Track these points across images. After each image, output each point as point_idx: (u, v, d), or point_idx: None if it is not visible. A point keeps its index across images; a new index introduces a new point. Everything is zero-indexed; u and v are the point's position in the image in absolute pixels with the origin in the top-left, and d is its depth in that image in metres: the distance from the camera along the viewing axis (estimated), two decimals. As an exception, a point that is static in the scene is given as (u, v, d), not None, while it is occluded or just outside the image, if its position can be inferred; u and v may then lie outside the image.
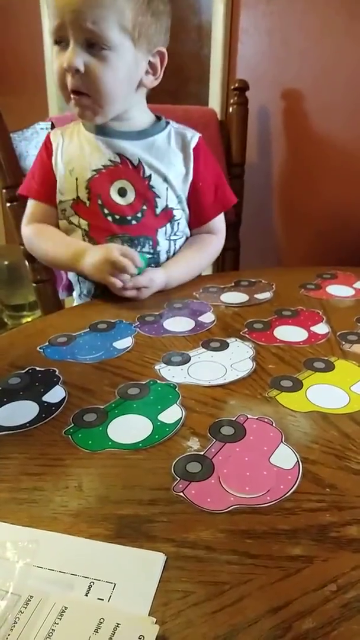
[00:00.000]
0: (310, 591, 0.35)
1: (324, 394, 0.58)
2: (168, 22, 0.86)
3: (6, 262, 2.09)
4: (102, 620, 0.32)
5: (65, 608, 0.33)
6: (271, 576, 0.36)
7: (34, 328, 0.75)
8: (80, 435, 0.51)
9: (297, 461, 0.47)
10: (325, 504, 0.42)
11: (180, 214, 0.94)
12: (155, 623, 0.32)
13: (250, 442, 0.50)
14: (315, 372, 0.62)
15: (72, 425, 0.52)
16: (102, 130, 0.89)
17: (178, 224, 0.93)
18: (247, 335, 0.71)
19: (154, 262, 0.91)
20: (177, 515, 0.41)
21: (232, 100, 1.29)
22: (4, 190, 1.11)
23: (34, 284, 1.16)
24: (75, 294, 1.01)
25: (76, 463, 0.47)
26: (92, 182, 0.88)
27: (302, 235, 1.47)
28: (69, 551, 0.38)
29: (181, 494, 0.43)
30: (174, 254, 0.95)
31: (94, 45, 0.78)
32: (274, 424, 0.52)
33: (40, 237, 0.92)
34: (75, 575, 0.36)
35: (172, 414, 0.54)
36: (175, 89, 2.02)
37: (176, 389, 0.58)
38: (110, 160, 0.89)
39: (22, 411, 0.55)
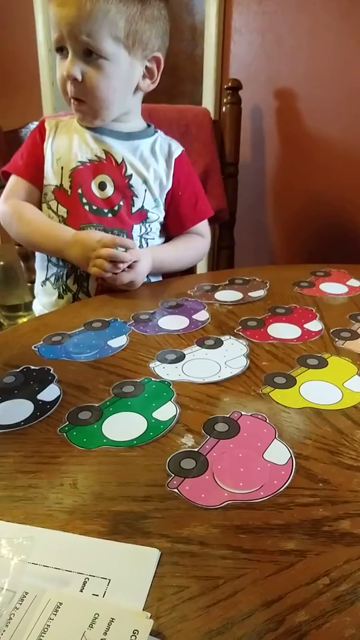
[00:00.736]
0: (303, 585, 0.35)
1: (318, 390, 0.58)
2: (165, 26, 0.89)
3: (1, 263, 2.08)
4: (96, 616, 0.33)
5: (60, 604, 0.33)
6: (265, 570, 0.36)
7: (29, 327, 0.75)
8: (75, 433, 0.51)
9: (291, 457, 0.47)
10: (318, 499, 0.43)
11: (155, 218, 0.96)
12: (150, 618, 0.33)
13: (244, 438, 0.50)
14: (309, 368, 0.62)
15: (67, 423, 0.52)
16: (94, 127, 0.93)
17: (151, 225, 0.96)
18: (241, 333, 0.71)
19: None
20: (172, 511, 0.42)
21: (225, 100, 1.29)
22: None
23: (30, 284, 1.16)
24: (38, 281, 1.00)
25: (71, 460, 0.47)
26: (76, 172, 0.91)
27: (296, 233, 1.47)
28: (64, 548, 0.38)
29: (175, 490, 0.44)
30: None
31: (91, 54, 0.82)
32: (267, 420, 0.52)
33: (20, 215, 0.92)
34: (70, 571, 0.36)
35: (166, 412, 0.54)
36: (169, 88, 2.02)
37: (171, 387, 0.59)
38: (96, 156, 0.92)
39: (17, 410, 0.55)
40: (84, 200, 0.91)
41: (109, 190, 0.92)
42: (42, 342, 0.69)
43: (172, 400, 0.56)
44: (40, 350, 0.67)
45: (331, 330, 0.72)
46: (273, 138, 1.43)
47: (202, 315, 0.77)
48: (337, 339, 0.69)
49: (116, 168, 0.92)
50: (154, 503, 0.42)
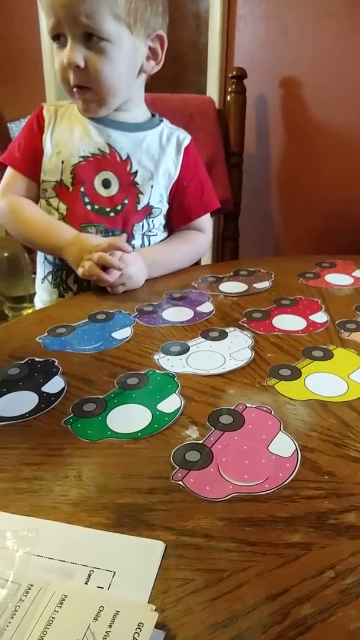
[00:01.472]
0: (308, 578, 0.35)
1: (323, 382, 0.58)
2: (165, 3, 0.84)
3: (6, 254, 2.08)
4: (101, 608, 0.33)
5: (65, 596, 0.33)
6: (270, 563, 0.36)
7: (33, 319, 0.75)
8: (79, 425, 0.51)
9: (296, 449, 0.47)
10: (323, 492, 0.43)
11: (159, 212, 0.93)
12: (155, 610, 0.33)
13: (249, 430, 0.50)
14: (314, 360, 0.62)
15: (72, 415, 0.52)
16: (96, 117, 0.89)
17: (153, 220, 0.93)
18: (246, 325, 0.71)
19: None
20: (176, 503, 0.41)
21: (230, 89, 1.28)
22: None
23: (34, 276, 1.16)
24: (38, 278, 0.99)
25: (76, 453, 0.47)
26: (78, 168, 0.88)
27: (302, 224, 1.46)
28: (69, 540, 0.38)
29: (180, 482, 0.43)
30: None
31: (91, 38, 0.78)
32: (272, 413, 0.52)
33: (18, 213, 0.90)
34: (75, 563, 0.36)
35: (171, 404, 0.54)
36: (173, 77, 2.01)
37: (175, 379, 0.58)
38: (99, 150, 0.89)
39: (22, 401, 0.55)
40: (86, 200, 0.88)
41: (114, 188, 0.89)
42: (46, 334, 0.69)
43: (176, 392, 0.56)
44: (44, 342, 0.67)
45: (336, 322, 0.71)
46: (278, 127, 1.42)
47: (207, 307, 0.76)
48: (342, 331, 0.69)
49: (121, 164, 0.89)
50: (158, 495, 0.42)
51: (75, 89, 0.83)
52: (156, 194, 0.92)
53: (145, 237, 0.93)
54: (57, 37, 0.80)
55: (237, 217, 1.33)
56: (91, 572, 0.36)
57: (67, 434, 0.50)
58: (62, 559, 0.36)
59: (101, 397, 0.55)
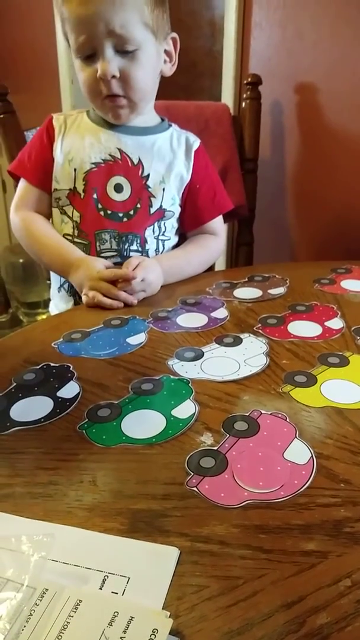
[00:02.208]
0: (324, 586, 0.35)
1: (339, 389, 0.57)
2: (167, 4, 0.87)
3: (21, 260, 2.10)
4: (116, 614, 0.33)
5: (80, 601, 0.33)
6: (285, 571, 0.36)
7: (49, 324, 0.76)
8: (94, 430, 0.51)
9: (311, 456, 0.47)
10: (339, 499, 0.42)
11: (171, 215, 0.94)
12: (169, 617, 0.33)
13: (264, 437, 0.50)
14: (330, 367, 0.62)
15: (87, 420, 0.53)
16: (106, 123, 0.90)
17: (165, 223, 0.93)
18: (260, 331, 0.71)
19: None
20: (191, 510, 0.41)
21: (245, 95, 1.28)
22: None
23: (49, 282, 1.17)
24: (53, 286, 1.00)
25: (90, 458, 0.47)
26: (90, 174, 0.89)
27: (317, 229, 1.46)
28: (84, 545, 0.38)
29: (195, 488, 0.43)
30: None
31: (123, 47, 0.80)
32: (287, 419, 0.52)
33: (30, 231, 0.91)
34: (90, 568, 0.36)
35: (185, 409, 0.54)
36: (188, 84, 2.02)
37: (189, 385, 0.58)
38: (110, 155, 0.89)
39: (37, 406, 0.55)
40: (99, 206, 0.89)
41: (126, 193, 0.90)
42: (61, 340, 0.69)
43: (191, 398, 0.56)
44: (60, 348, 0.67)
45: (352, 328, 0.71)
46: (293, 134, 1.42)
47: (221, 313, 0.76)
48: (358, 337, 0.69)
49: (132, 169, 0.90)
50: (173, 501, 0.42)
51: (107, 99, 0.84)
52: (168, 197, 0.92)
53: (159, 240, 0.93)
54: (90, 55, 0.81)
55: (251, 223, 1.33)
56: (106, 577, 0.36)
57: (82, 439, 0.50)
58: (76, 564, 0.37)
59: (116, 402, 0.55)
